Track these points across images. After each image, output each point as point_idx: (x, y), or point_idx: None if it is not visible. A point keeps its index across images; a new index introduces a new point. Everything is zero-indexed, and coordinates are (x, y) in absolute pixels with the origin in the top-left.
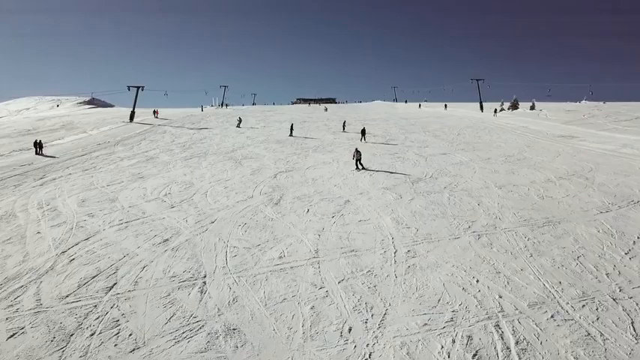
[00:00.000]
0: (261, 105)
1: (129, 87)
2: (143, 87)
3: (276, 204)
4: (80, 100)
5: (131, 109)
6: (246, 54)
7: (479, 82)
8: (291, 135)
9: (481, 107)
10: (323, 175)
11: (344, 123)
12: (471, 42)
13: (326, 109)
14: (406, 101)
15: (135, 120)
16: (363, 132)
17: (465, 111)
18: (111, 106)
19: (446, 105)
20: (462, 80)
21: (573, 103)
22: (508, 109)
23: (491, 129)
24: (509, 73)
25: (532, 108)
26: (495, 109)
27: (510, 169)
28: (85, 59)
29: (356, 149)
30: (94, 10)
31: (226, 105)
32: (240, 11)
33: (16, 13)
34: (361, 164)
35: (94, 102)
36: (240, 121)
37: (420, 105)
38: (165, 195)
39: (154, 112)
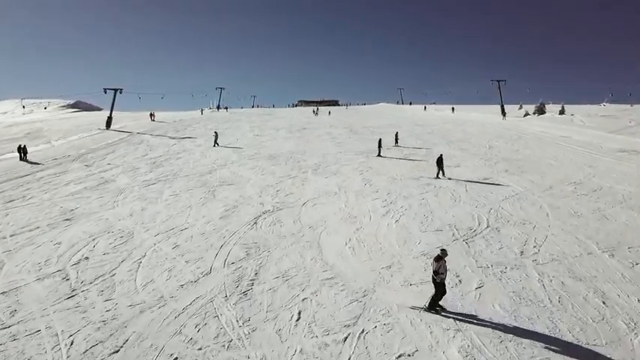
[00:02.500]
0: (260, 107)
1: (105, 89)
2: (121, 90)
3: (245, 293)
4: (64, 104)
5: (108, 115)
6: (248, 55)
7: (500, 83)
8: (379, 155)
9: (503, 112)
10: (326, 217)
11: (396, 135)
12: (471, 42)
13: (329, 113)
14: (410, 103)
15: (113, 127)
16: (441, 162)
17: (477, 115)
18: (98, 109)
19: (453, 108)
20: (463, 80)
21: (594, 106)
22: (533, 113)
23: (526, 139)
24: (512, 74)
25: (561, 112)
26: (505, 113)
27: (597, 210)
28: (80, 60)
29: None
30: (92, 10)
31: (225, 108)
32: (240, 12)
33: (14, 11)
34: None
35: (79, 105)
36: (216, 137)
37: (425, 107)
38: (78, 263)
39: (151, 114)
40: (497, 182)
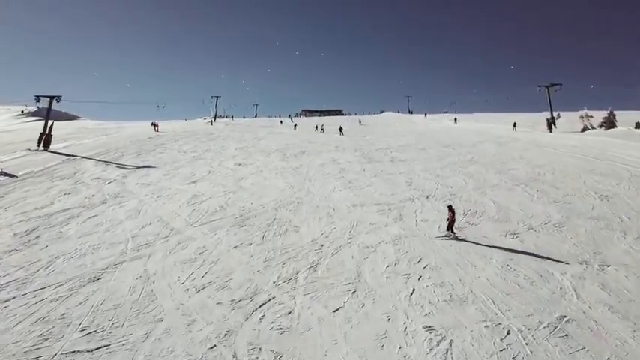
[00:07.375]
0: (262, 117)
1: (37, 97)
2: (59, 97)
3: None
4: (27, 111)
5: (41, 131)
6: (252, 59)
7: (549, 88)
8: None
9: (553, 124)
10: None
11: None
12: (471, 47)
13: (341, 131)
14: (412, 112)
15: (59, 145)
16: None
17: (493, 126)
18: (75, 117)
19: (456, 119)
20: (464, 86)
21: (637, 112)
22: (599, 126)
23: None
24: (513, 79)
25: (639, 126)
26: (515, 123)
27: None
28: (79, 61)
29: None
30: (89, 9)
31: (231, 117)
32: (243, 15)
33: (14, 11)
34: None
35: (42, 113)
36: None
37: (425, 114)
38: None
39: (152, 124)
40: None
